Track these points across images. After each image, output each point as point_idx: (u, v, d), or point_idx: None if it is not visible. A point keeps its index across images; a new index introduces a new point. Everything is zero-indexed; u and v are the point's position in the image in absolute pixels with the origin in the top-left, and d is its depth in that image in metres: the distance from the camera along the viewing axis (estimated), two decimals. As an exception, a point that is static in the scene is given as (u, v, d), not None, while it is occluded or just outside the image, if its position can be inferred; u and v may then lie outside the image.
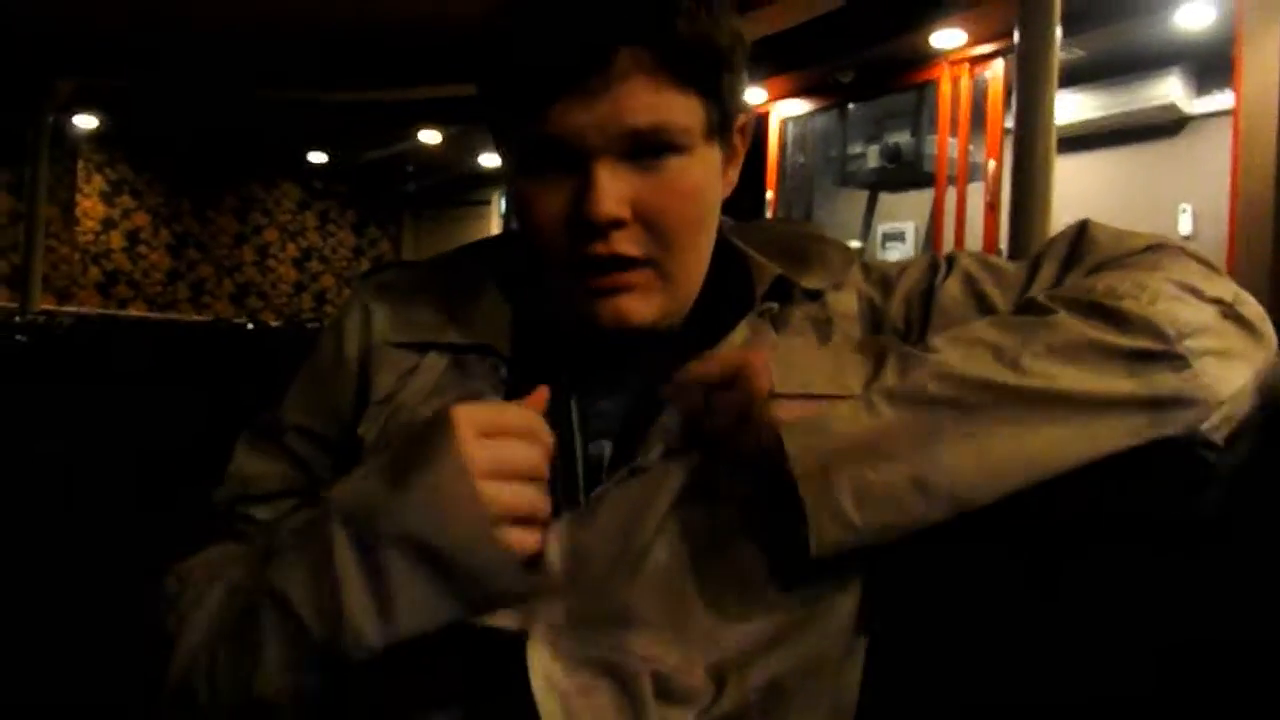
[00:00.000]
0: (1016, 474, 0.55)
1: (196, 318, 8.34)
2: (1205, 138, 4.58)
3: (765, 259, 0.71)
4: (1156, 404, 0.55)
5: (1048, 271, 0.68)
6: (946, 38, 4.64)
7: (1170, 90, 4.64)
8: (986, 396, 0.56)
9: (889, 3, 4.31)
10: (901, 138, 5.12)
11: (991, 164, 4.51)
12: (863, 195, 5.68)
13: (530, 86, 0.60)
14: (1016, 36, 3.38)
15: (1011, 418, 0.55)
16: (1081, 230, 0.69)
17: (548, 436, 0.58)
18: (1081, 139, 4.76)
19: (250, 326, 4.24)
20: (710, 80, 0.64)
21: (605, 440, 0.66)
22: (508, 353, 0.68)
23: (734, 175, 0.71)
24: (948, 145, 4.79)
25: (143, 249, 8.68)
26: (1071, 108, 4.64)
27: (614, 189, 0.60)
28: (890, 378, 0.57)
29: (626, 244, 0.62)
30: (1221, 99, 4.44)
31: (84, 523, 1.03)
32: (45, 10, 5.32)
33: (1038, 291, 0.66)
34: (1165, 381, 0.55)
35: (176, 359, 1.42)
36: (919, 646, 0.67)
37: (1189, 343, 0.55)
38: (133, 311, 8.34)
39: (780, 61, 4.93)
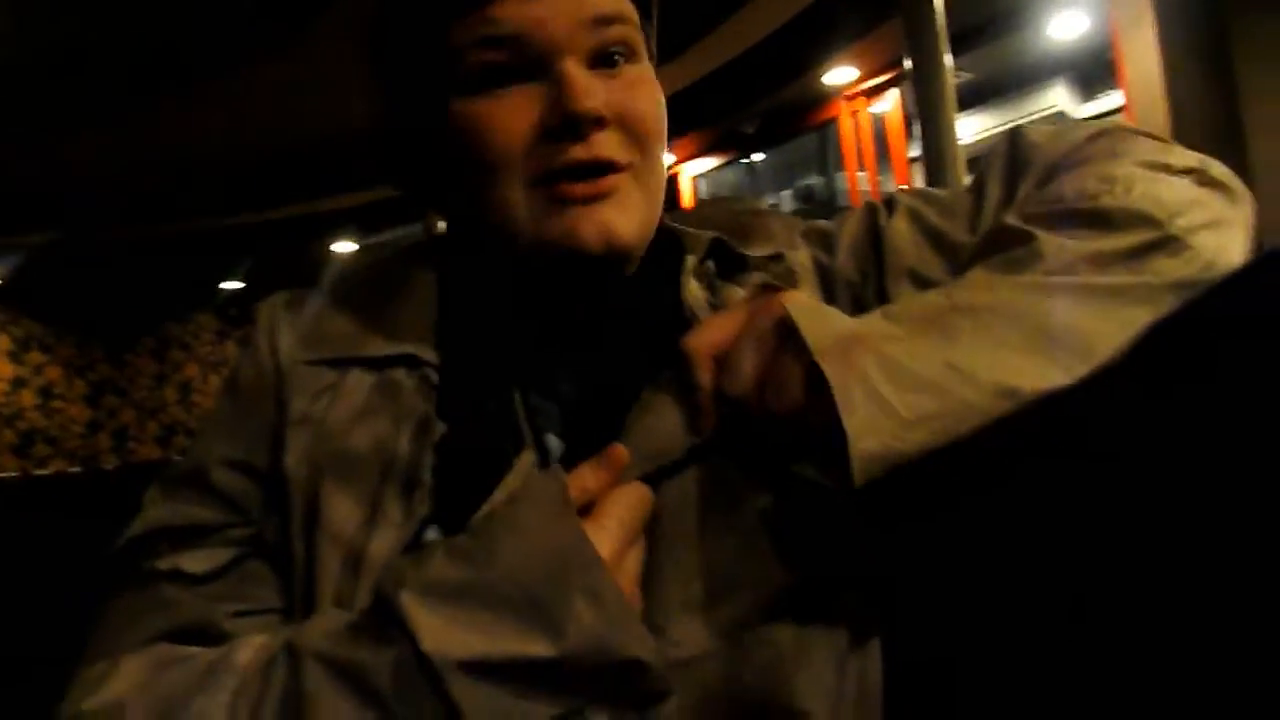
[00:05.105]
0: (1064, 353, 0.48)
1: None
2: (1099, 138, 4.77)
3: (700, 232, 0.67)
4: (1174, 290, 0.50)
5: (994, 190, 0.63)
6: (838, 75, 4.76)
7: (1057, 99, 4.84)
8: (1002, 295, 0.50)
9: (779, 50, 4.40)
10: (813, 179, 5.21)
11: (903, 191, 4.60)
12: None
13: None
14: (908, 64, 3.46)
15: (1035, 308, 0.49)
16: (1013, 140, 0.65)
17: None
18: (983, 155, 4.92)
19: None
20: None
21: (551, 434, 0.59)
22: (435, 359, 0.61)
23: None
24: (858, 180, 4.88)
25: (58, 403, 8.33)
26: (969, 128, 4.79)
27: (590, 85, 0.56)
28: (886, 309, 0.53)
29: (607, 147, 0.57)
30: (1107, 101, 4.63)
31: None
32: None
33: (990, 213, 0.62)
34: (1170, 269, 0.50)
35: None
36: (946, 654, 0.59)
37: (1180, 222, 0.51)
38: (53, 469, 7.97)
39: (683, 121, 5.00)
